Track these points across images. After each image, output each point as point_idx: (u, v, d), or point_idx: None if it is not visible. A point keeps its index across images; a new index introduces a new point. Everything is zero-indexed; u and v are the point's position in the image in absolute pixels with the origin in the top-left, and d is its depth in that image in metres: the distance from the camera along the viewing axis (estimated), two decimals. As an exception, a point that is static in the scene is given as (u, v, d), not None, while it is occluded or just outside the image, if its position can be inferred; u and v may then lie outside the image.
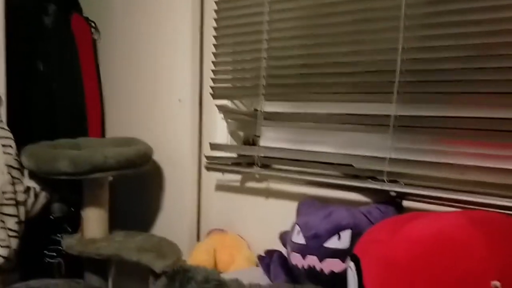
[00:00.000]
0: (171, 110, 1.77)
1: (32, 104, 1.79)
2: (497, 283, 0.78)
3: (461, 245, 0.83)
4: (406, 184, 1.26)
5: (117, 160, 1.49)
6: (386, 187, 1.27)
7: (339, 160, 1.37)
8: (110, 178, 1.78)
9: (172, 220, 1.80)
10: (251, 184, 1.63)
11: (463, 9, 1.15)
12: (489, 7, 1.11)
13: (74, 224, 1.73)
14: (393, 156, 1.26)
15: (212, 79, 1.68)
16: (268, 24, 1.50)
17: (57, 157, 1.46)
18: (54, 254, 1.69)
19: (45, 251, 1.71)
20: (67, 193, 1.72)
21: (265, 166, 1.55)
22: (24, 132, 1.64)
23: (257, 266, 1.47)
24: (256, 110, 1.58)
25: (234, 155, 1.68)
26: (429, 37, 1.21)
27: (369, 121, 1.32)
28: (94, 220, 1.63)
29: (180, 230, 1.76)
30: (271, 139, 1.55)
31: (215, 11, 1.65)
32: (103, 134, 2.03)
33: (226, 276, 1.08)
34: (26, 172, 1.59)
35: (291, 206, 1.42)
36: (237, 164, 1.63)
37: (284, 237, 1.35)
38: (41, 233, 1.71)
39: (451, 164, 1.18)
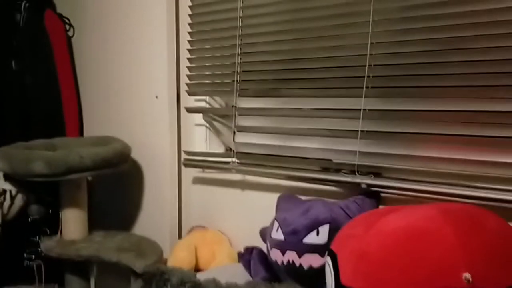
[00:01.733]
0: (148, 106, 1.75)
1: (4, 103, 1.75)
2: (468, 275, 0.79)
3: (431, 236, 0.84)
4: (377, 177, 1.27)
5: (93, 160, 1.47)
6: (357, 179, 1.28)
7: (311, 154, 1.38)
8: (89, 178, 1.76)
9: (153, 218, 1.79)
10: (231, 180, 1.63)
11: (431, 4, 1.15)
12: (456, 0, 1.11)
13: (53, 225, 1.70)
14: (363, 149, 1.28)
15: (188, 75, 1.66)
16: (241, 20, 1.49)
17: (31, 159, 1.43)
18: (33, 256, 1.66)
19: (24, 254, 1.69)
20: (43, 195, 1.69)
21: (243, 163, 1.54)
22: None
23: (239, 262, 1.47)
24: (232, 106, 1.57)
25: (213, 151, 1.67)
26: (398, 32, 1.21)
27: (340, 116, 1.33)
28: (72, 221, 1.61)
29: (161, 228, 1.75)
30: (250, 135, 1.54)
31: (190, 7, 1.63)
32: (81, 133, 2.00)
33: (203, 275, 1.08)
34: (1, 175, 1.56)
35: (272, 200, 1.42)
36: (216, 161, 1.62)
37: (264, 233, 1.35)
38: (19, 236, 1.68)
39: (420, 156, 1.19)
